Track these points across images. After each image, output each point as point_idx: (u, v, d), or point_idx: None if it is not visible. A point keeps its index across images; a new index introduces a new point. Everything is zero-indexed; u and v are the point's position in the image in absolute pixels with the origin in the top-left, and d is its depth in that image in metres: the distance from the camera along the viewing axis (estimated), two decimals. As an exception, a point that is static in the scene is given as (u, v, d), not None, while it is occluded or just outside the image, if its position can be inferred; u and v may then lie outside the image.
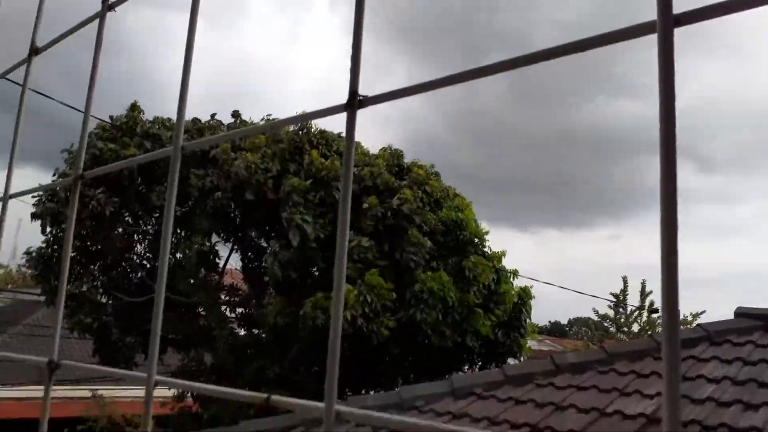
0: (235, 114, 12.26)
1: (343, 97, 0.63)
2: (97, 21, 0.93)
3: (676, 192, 0.42)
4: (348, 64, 0.63)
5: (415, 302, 10.06)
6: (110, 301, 12.02)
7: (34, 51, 1.06)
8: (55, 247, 11.40)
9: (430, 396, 4.86)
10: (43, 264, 11.45)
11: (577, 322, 48.27)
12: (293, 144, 11.06)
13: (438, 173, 12.18)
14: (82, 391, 14.72)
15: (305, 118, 0.72)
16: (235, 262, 12.59)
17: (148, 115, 12.21)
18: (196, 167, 10.76)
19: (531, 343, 13.32)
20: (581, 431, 3.92)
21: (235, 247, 12.32)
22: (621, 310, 21.01)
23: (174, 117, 0.82)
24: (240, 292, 12.60)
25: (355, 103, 0.63)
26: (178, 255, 12.04)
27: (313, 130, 11.45)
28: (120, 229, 11.84)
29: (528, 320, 11.85)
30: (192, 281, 11.70)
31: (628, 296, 20.50)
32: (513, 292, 11.47)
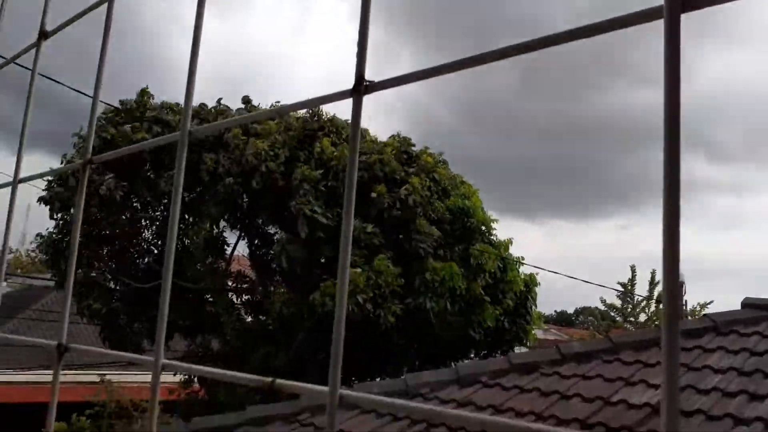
0: (246, 100, 12.24)
1: (350, 84, 0.63)
2: (105, 5, 0.93)
3: (679, 182, 0.42)
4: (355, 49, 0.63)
5: (424, 290, 10.08)
6: (119, 287, 12.10)
7: (43, 35, 1.06)
8: (65, 231, 11.48)
9: (436, 383, 4.88)
10: (53, 248, 11.54)
11: (584, 312, 48.27)
12: (303, 131, 11.06)
13: (446, 161, 12.15)
14: (91, 377, 14.88)
15: (311, 103, 0.72)
16: (242, 249, 12.65)
17: (158, 99, 12.24)
18: (207, 152, 10.77)
19: (537, 332, 13.34)
20: (586, 420, 3.94)
21: (242, 234, 12.36)
22: (628, 299, 20.97)
23: (182, 101, 0.82)
24: (247, 278, 12.66)
25: (361, 88, 0.63)
26: (186, 241, 12.10)
27: (324, 117, 11.43)
28: (128, 215, 11.90)
29: (534, 307, 11.86)
30: (199, 267, 11.77)
31: (636, 286, 20.44)
32: (519, 280, 11.47)
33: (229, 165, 10.46)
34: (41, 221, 11.90)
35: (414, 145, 11.98)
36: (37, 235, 12.03)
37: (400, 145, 11.73)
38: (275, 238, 11.89)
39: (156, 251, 12.51)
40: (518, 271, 11.69)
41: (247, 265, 12.85)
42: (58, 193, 11.02)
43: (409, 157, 11.65)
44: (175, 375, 11.98)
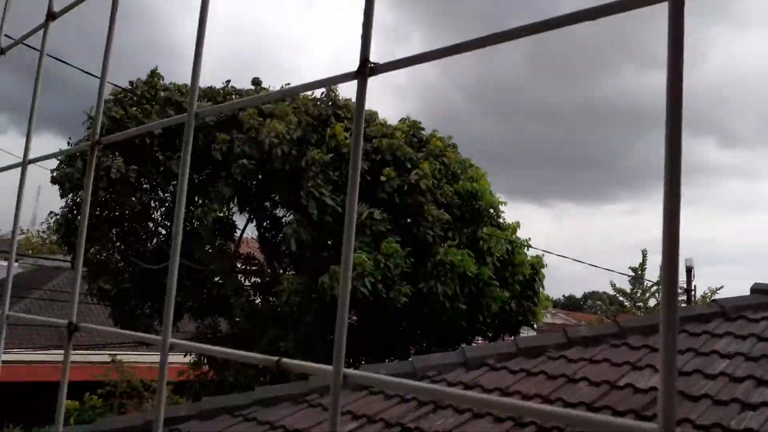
0: (256, 81, 12.22)
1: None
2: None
3: (680, 167, 0.42)
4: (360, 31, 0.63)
5: (435, 273, 10.10)
6: (128, 269, 12.21)
7: (51, 16, 1.06)
8: (75, 212, 11.57)
9: (442, 366, 4.91)
10: (65, 228, 11.65)
11: (592, 297, 48.23)
12: (318, 115, 11.06)
13: (455, 145, 12.09)
14: (103, 357, 15.09)
15: (317, 85, 0.72)
16: (250, 232, 12.71)
17: (167, 81, 12.25)
18: (221, 131, 10.78)
19: (545, 315, 13.36)
20: (592, 403, 3.95)
21: (251, 217, 12.41)
22: (638, 284, 20.91)
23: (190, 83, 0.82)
24: (256, 261, 12.73)
25: (366, 70, 0.62)
26: (195, 223, 12.17)
27: (339, 101, 11.40)
28: (138, 197, 11.96)
29: (541, 289, 11.86)
30: (209, 249, 11.84)
31: (646, 271, 20.36)
32: (527, 263, 11.47)
33: (244, 145, 10.46)
34: (53, 203, 12.02)
35: (423, 129, 11.94)
36: (50, 212, 12.15)
37: (410, 128, 11.68)
38: (285, 220, 11.94)
39: (165, 233, 12.59)
40: (526, 254, 11.68)
41: (255, 248, 12.91)
42: (69, 174, 11.09)
43: (418, 141, 11.62)
44: (185, 356, 12.12)
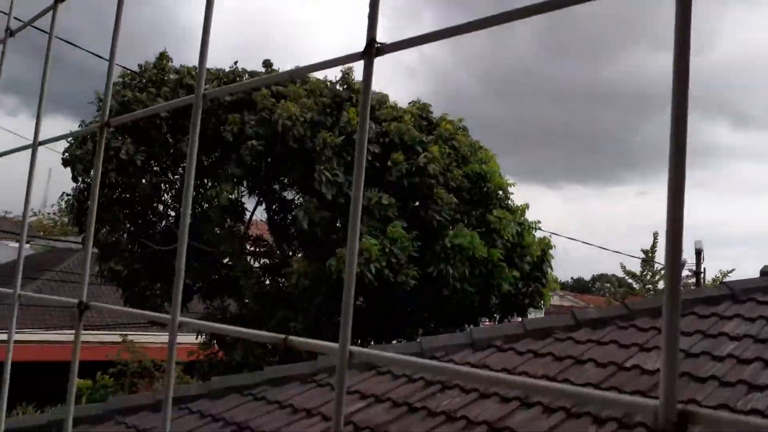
0: (267, 63, 12.18)
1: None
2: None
3: (685, 147, 0.42)
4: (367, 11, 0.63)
5: (444, 256, 10.13)
6: (139, 250, 12.31)
7: (59, -3, 1.06)
8: (87, 193, 11.66)
9: (450, 347, 4.94)
10: (77, 209, 11.76)
11: (601, 279, 48.18)
12: (332, 98, 11.06)
13: (466, 128, 12.02)
14: (114, 337, 15.27)
15: (324, 65, 0.72)
16: (259, 214, 12.76)
17: (177, 63, 12.24)
18: (233, 113, 10.78)
19: (553, 297, 13.37)
20: (599, 384, 3.97)
21: (261, 199, 12.45)
22: (648, 267, 20.85)
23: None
24: (265, 242, 12.79)
25: (372, 50, 0.62)
26: (205, 205, 12.22)
27: (354, 84, 11.36)
28: (148, 179, 12.03)
29: (550, 270, 11.87)
30: (218, 231, 11.90)
31: (656, 253, 20.25)
32: (535, 245, 11.46)
33: (256, 126, 10.47)
34: (63, 185, 12.13)
35: (432, 112, 11.87)
36: (63, 193, 12.26)
37: (420, 111, 11.63)
38: (296, 201, 11.99)
39: (175, 215, 12.67)
40: (534, 236, 11.67)
41: (264, 230, 12.97)
42: (80, 155, 11.15)
43: (428, 124, 11.57)
44: (197, 337, 12.26)
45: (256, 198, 12.40)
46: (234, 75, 11.89)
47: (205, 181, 12.13)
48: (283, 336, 0.71)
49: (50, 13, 1.09)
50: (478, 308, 11.03)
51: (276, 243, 12.61)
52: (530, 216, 11.87)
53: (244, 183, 11.75)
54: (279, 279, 12.05)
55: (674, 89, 0.43)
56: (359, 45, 0.62)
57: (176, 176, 12.34)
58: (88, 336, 15.40)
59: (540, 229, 11.88)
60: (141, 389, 14.21)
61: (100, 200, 11.13)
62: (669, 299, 0.41)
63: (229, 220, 12.29)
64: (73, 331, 0.90)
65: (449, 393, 4.20)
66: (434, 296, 10.49)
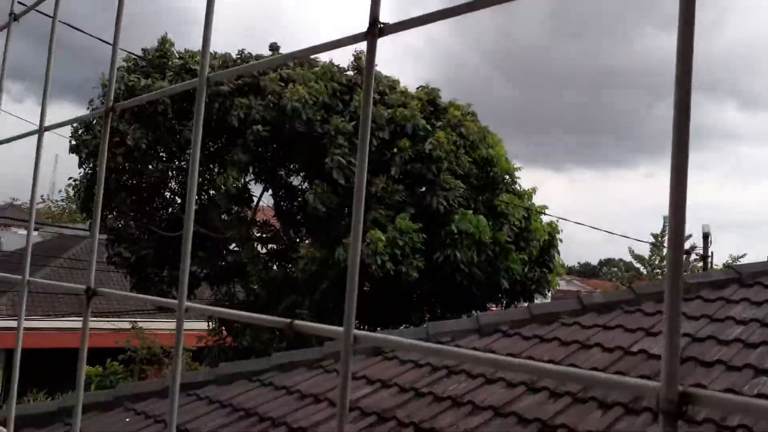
0: (273, 46, 12.14)
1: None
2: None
3: (688, 130, 0.42)
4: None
5: (451, 242, 10.13)
6: (147, 236, 12.37)
7: (62, -18, 1.06)
8: (93, 179, 11.71)
9: (456, 332, 4.96)
10: (84, 194, 11.81)
11: (608, 264, 48.11)
12: (344, 83, 11.04)
13: (475, 113, 11.93)
14: (123, 324, 15.39)
15: (327, 47, 0.72)
16: (266, 200, 12.78)
17: (179, 47, 12.22)
18: (240, 97, 10.78)
19: (560, 283, 13.37)
20: (605, 369, 3.98)
21: (267, 185, 12.46)
22: (657, 251, 20.79)
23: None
24: (272, 228, 12.83)
25: (375, 30, 0.62)
26: (212, 192, 12.25)
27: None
28: (155, 165, 12.06)
29: (557, 254, 11.86)
30: (225, 217, 11.94)
31: (666, 237, 20.19)
32: (542, 229, 11.45)
33: (264, 111, 10.47)
34: (70, 172, 12.17)
35: (441, 97, 11.81)
36: (69, 177, 12.32)
37: (428, 96, 11.57)
38: (302, 188, 12.01)
39: (181, 201, 12.71)
40: (541, 221, 11.65)
41: (271, 216, 13.00)
42: (86, 141, 11.18)
43: (436, 110, 11.51)
44: (208, 324, 12.35)
45: (263, 184, 12.41)
46: (241, 60, 11.86)
47: (212, 167, 12.14)
48: (288, 320, 0.71)
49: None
50: (486, 293, 11.05)
51: (283, 229, 12.65)
52: (537, 200, 11.85)
53: (250, 169, 11.75)
54: (286, 265, 12.10)
55: (678, 70, 0.42)
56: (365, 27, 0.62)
57: (183, 162, 12.36)
58: (98, 323, 15.52)
59: (547, 213, 11.86)
60: (150, 376, 14.34)
61: (107, 186, 11.18)
62: (670, 282, 0.41)
63: (235, 207, 12.32)
64: (81, 318, 0.90)
65: (455, 378, 4.22)
66: (441, 282, 10.51)
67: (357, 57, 11.46)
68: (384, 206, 10.09)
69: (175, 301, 0.78)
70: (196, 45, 11.31)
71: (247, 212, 12.60)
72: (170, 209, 12.83)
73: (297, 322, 0.70)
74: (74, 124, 11.22)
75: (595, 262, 54.61)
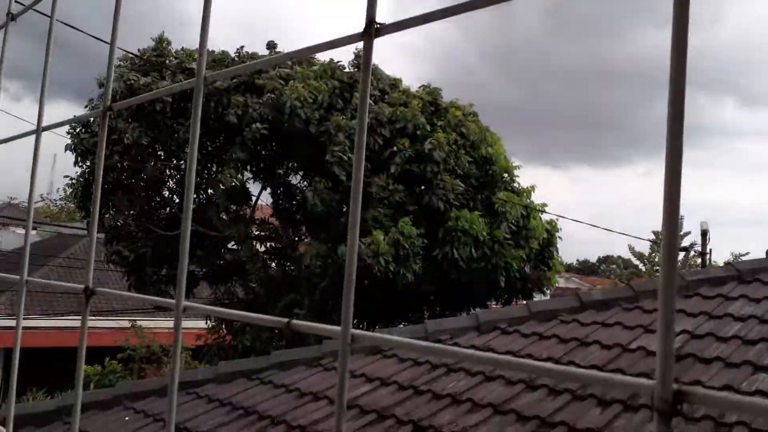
0: (271, 45, 12.13)
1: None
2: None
3: (682, 127, 0.42)
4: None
5: (448, 239, 10.17)
6: (145, 235, 12.36)
7: (59, -18, 1.06)
8: (90, 178, 11.70)
9: (455, 330, 4.96)
10: (81, 193, 11.81)
11: (607, 261, 48.17)
12: (345, 81, 11.05)
13: (476, 113, 11.92)
14: (122, 323, 15.39)
15: (324, 47, 0.72)
16: (265, 199, 12.79)
17: (178, 46, 12.21)
18: (236, 95, 10.78)
19: (558, 280, 13.39)
20: (604, 366, 3.98)
21: (266, 184, 12.46)
22: (657, 248, 20.83)
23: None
24: (271, 225, 12.83)
25: (372, 30, 0.62)
26: (210, 191, 12.24)
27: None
28: (153, 163, 12.05)
29: (556, 253, 11.87)
30: (224, 216, 11.94)
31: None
32: (541, 227, 11.46)
33: (261, 109, 10.48)
34: (68, 171, 12.15)
35: (442, 97, 11.82)
36: (65, 176, 12.30)
37: (429, 96, 11.57)
38: (301, 186, 12.02)
39: (179, 200, 12.70)
40: (540, 219, 11.66)
41: (268, 214, 13.00)
42: (83, 140, 11.18)
43: (436, 110, 11.52)
44: (206, 322, 12.35)
45: (261, 182, 12.41)
46: (239, 59, 11.86)
47: (210, 166, 12.13)
48: (286, 320, 0.71)
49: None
50: (485, 291, 11.07)
51: (281, 228, 12.65)
52: (536, 198, 11.86)
53: (248, 167, 11.75)
54: (285, 263, 12.11)
55: (672, 67, 0.42)
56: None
57: (181, 161, 12.36)
58: (97, 322, 15.52)
59: (545, 211, 11.86)
60: (149, 374, 14.34)
61: (105, 184, 11.18)
62: (665, 280, 0.41)
63: (234, 205, 12.32)
64: (80, 317, 0.90)
65: (454, 376, 4.22)
66: (440, 281, 10.54)
67: (357, 55, 11.46)
68: (384, 205, 10.11)
69: (173, 301, 0.78)
70: (192, 44, 11.29)
71: (246, 210, 12.60)
72: (169, 208, 12.82)
73: (295, 321, 0.70)
74: (72, 124, 11.21)
75: (594, 259, 54.69)
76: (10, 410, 0.99)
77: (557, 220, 12.10)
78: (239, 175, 12.10)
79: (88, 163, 11.57)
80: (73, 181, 12.05)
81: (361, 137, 0.62)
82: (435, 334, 4.90)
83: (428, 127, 10.68)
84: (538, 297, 11.90)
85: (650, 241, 20.30)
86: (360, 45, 0.65)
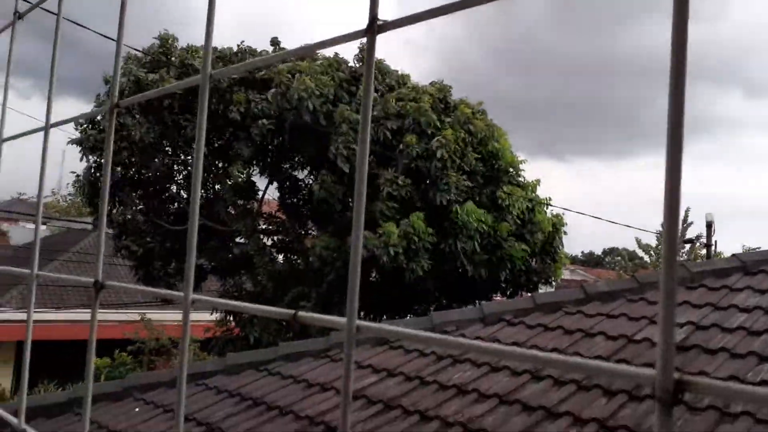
0: (274, 41, 12.14)
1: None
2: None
3: (683, 118, 0.43)
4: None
5: (453, 232, 10.20)
6: (154, 230, 12.43)
7: (66, -20, 1.07)
8: (98, 174, 11.76)
9: (461, 322, 4.98)
10: (88, 189, 11.87)
11: (612, 253, 48.05)
12: (350, 75, 11.06)
13: (485, 111, 11.91)
14: (132, 316, 15.50)
15: (327, 44, 0.73)
16: (271, 193, 12.83)
17: (183, 43, 12.24)
18: (239, 92, 10.80)
19: (564, 273, 13.39)
20: (609, 357, 3.99)
21: (272, 179, 12.50)
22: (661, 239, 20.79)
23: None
24: (278, 219, 12.89)
25: (374, 27, 0.63)
26: (217, 186, 12.30)
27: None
28: (161, 159, 12.10)
29: (561, 247, 11.87)
30: (231, 210, 12.00)
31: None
32: (546, 221, 11.46)
33: (264, 104, 10.49)
34: (77, 167, 12.21)
35: (452, 94, 11.80)
36: (71, 172, 12.37)
37: (439, 93, 11.56)
38: (308, 180, 12.06)
39: (187, 196, 12.75)
40: (545, 213, 11.65)
41: (275, 208, 13.05)
42: (91, 136, 11.23)
43: (446, 107, 11.52)
44: (212, 314, 12.42)
45: (267, 177, 12.45)
46: (240, 54, 11.87)
47: (216, 162, 12.18)
48: (292, 311, 0.73)
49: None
50: (490, 284, 11.09)
51: (288, 221, 12.70)
52: (541, 192, 11.85)
53: (254, 162, 11.79)
54: (292, 257, 12.16)
55: (672, 57, 0.43)
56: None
57: (188, 157, 12.40)
58: (107, 315, 15.64)
59: (550, 204, 11.86)
60: (159, 366, 14.45)
61: (112, 180, 11.23)
62: (666, 270, 0.43)
63: (241, 200, 12.37)
64: (90, 310, 0.92)
65: (460, 367, 4.25)
66: (445, 274, 10.57)
67: (362, 49, 11.46)
68: (390, 199, 10.13)
69: (181, 293, 0.80)
70: (195, 41, 11.30)
71: (254, 204, 12.64)
72: (177, 203, 12.88)
73: (301, 313, 0.71)
74: (80, 120, 11.26)
75: (599, 251, 54.55)
76: (22, 402, 1.01)
77: (563, 214, 12.10)
78: (246, 171, 12.15)
79: (93, 158, 11.62)
80: (80, 177, 12.11)
81: (364, 133, 0.63)
82: (440, 325, 4.92)
83: (438, 124, 10.69)
84: (543, 290, 11.91)
85: (656, 232, 20.24)
86: (363, 40, 0.67)
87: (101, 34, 8.61)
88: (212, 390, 4.65)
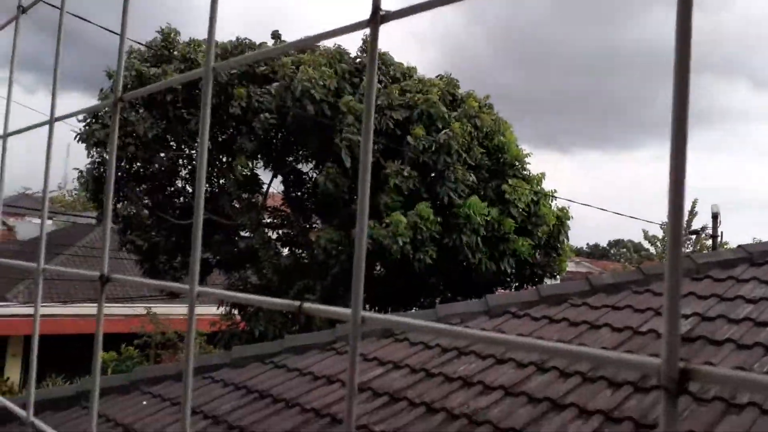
0: (275, 34, 12.12)
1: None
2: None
3: (687, 110, 0.43)
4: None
5: (458, 228, 10.21)
6: (159, 224, 12.46)
7: (68, -26, 1.07)
8: (102, 169, 11.78)
9: (466, 314, 4.98)
10: (93, 184, 11.90)
11: (617, 245, 47.95)
12: (353, 66, 11.05)
13: (492, 105, 11.88)
14: (138, 309, 15.58)
15: (330, 35, 0.73)
16: (276, 187, 12.85)
17: (186, 36, 12.23)
18: (240, 86, 10.81)
19: (569, 265, 13.38)
20: (614, 349, 3.99)
21: (276, 173, 12.51)
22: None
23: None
24: (282, 213, 12.91)
25: (377, 18, 0.63)
26: (221, 180, 12.31)
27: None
28: (165, 153, 12.12)
29: (566, 240, 11.85)
30: (236, 204, 12.02)
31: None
32: (551, 214, 11.44)
33: (265, 98, 10.49)
34: (83, 162, 12.24)
35: (459, 87, 11.77)
36: (75, 168, 12.41)
37: (446, 86, 11.53)
38: (312, 173, 12.06)
39: (192, 190, 12.78)
40: (550, 206, 11.63)
41: (279, 201, 13.07)
42: (95, 130, 11.25)
43: (453, 100, 11.49)
44: (218, 308, 12.47)
45: (272, 171, 12.46)
46: (241, 47, 11.86)
47: (220, 156, 12.19)
48: (297, 303, 0.73)
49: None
50: (495, 277, 11.08)
51: (293, 214, 12.72)
52: (546, 185, 11.82)
53: (258, 156, 11.80)
54: (297, 250, 12.18)
55: (677, 49, 0.43)
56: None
57: (193, 151, 12.42)
58: (113, 309, 15.71)
59: (555, 197, 11.83)
60: (165, 360, 14.53)
61: (118, 175, 11.27)
62: (671, 261, 0.42)
63: (246, 194, 12.39)
64: (96, 304, 0.92)
65: (465, 359, 4.25)
66: (451, 267, 10.57)
67: (365, 40, 11.43)
68: (396, 191, 10.13)
69: (187, 286, 0.80)
70: (198, 35, 11.26)
71: (258, 198, 12.66)
72: (182, 197, 12.91)
73: (306, 304, 0.72)
74: (84, 115, 11.28)
75: (604, 243, 54.46)
76: (30, 395, 1.01)
77: (568, 207, 12.07)
78: (250, 164, 12.16)
79: (95, 152, 11.64)
80: (83, 172, 12.14)
81: (368, 122, 0.63)
82: (445, 318, 4.93)
83: (447, 117, 10.67)
84: (548, 282, 11.90)
85: (661, 224, 20.19)
86: (367, 30, 0.66)
87: (105, 28, 8.62)
88: (218, 383, 4.67)
